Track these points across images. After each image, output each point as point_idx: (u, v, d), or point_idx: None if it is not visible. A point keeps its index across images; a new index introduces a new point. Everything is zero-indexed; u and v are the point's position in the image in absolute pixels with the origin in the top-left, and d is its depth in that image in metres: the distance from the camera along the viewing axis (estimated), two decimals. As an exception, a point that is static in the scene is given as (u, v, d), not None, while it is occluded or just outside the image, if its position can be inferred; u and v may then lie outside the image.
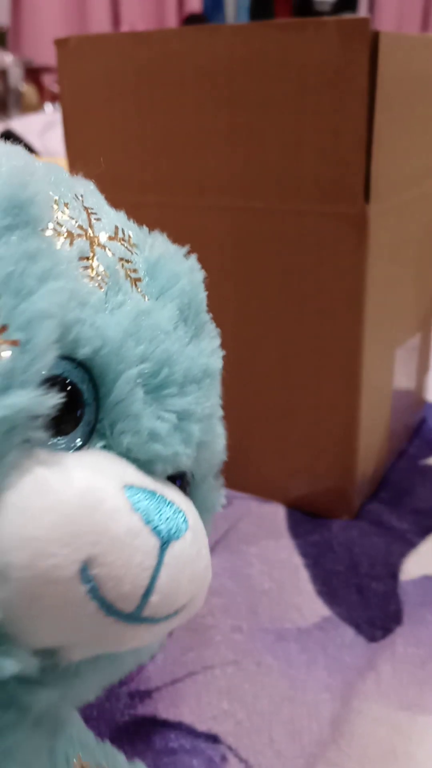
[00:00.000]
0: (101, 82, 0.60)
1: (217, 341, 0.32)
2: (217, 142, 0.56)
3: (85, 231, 0.28)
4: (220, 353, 0.31)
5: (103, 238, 0.29)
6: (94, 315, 0.26)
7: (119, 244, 0.29)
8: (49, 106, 2.22)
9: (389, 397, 0.67)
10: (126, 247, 0.29)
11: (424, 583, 0.54)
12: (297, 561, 0.57)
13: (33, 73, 2.64)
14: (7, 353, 0.23)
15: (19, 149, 0.29)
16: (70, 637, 0.25)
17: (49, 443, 0.25)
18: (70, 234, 0.27)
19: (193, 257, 0.31)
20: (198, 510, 0.30)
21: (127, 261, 0.29)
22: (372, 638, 0.49)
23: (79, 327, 0.25)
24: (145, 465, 0.27)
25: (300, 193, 0.54)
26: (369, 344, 0.57)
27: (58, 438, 0.25)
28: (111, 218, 0.30)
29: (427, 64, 0.58)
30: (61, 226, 0.27)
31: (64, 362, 0.25)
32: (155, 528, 0.24)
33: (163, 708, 0.44)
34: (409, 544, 0.59)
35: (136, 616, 0.24)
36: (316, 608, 0.52)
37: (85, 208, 0.29)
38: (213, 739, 0.42)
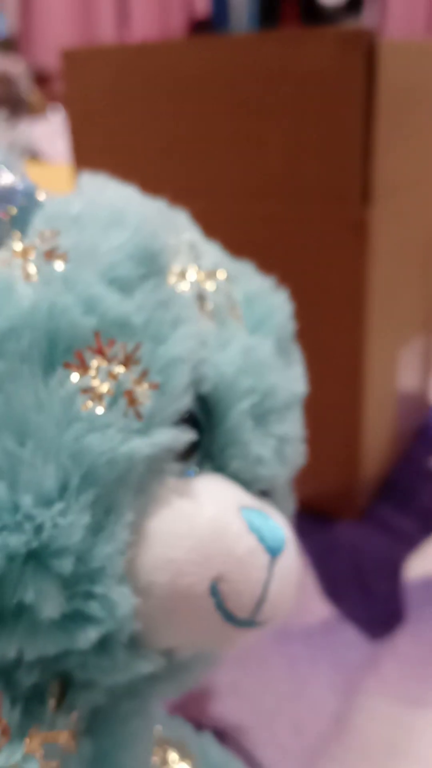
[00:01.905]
0: (107, 92, 0.61)
1: (303, 366, 0.34)
2: (219, 149, 0.57)
3: (197, 271, 0.30)
4: (305, 378, 0.34)
5: (209, 275, 0.31)
6: (212, 353, 0.29)
7: (221, 280, 0.31)
8: (54, 113, 2.24)
9: (394, 399, 0.67)
10: (226, 283, 0.31)
11: (427, 583, 0.55)
12: (302, 561, 0.58)
13: (41, 79, 2.66)
14: (148, 397, 0.26)
15: (133, 192, 0.31)
16: (197, 639, 0.28)
17: (179, 468, 0.28)
18: (183, 276, 0.30)
19: (284, 292, 0.34)
20: None
21: (229, 296, 0.31)
22: (375, 637, 0.50)
23: (202, 366, 0.28)
24: (247, 485, 0.30)
25: (301, 199, 0.55)
26: (372, 346, 0.58)
27: (182, 464, 0.28)
28: (211, 254, 0.32)
29: (426, 70, 0.59)
30: (179, 269, 0.30)
31: (195, 397, 0.28)
32: (266, 545, 0.27)
33: (169, 705, 0.45)
34: (413, 545, 0.60)
35: (249, 622, 0.27)
36: (321, 607, 0.53)
37: (190, 246, 0.31)
38: (219, 734, 0.43)
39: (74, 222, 0.27)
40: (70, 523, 0.24)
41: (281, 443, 0.31)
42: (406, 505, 0.65)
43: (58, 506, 0.24)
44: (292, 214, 0.56)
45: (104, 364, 0.25)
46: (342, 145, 0.52)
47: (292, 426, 0.31)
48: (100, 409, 0.25)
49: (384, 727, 0.43)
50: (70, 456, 0.24)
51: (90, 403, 0.25)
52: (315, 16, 2.99)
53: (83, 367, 0.25)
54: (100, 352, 0.25)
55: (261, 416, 0.30)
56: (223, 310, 0.30)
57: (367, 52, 0.49)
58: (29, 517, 0.23)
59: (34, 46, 3.00)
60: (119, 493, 0.25)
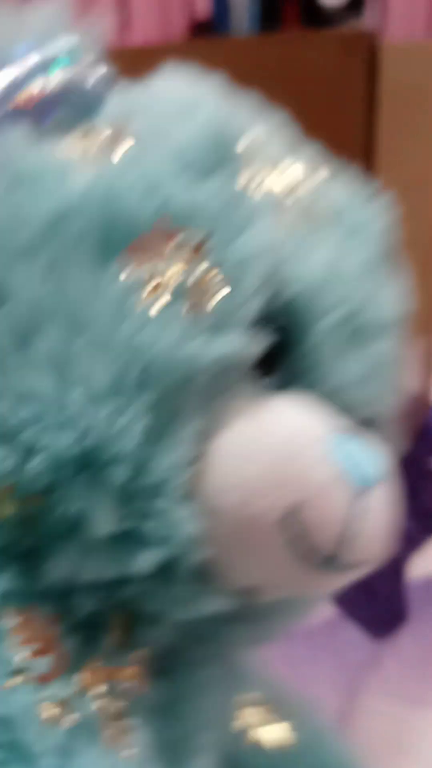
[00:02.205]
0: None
1: (409, 284, 0.30)
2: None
3: (283, 171, 0.27)
4: (411, 296, 0.30)
5: (297, 179, 0.27)
6: (295, 257, 0.25)
7: (313, 183, 0.28)
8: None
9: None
10: (319, 187, 0.28)
11: (428, 583, 0.55)
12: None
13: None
14: (220, 294, 0.23)
15: (218, 86, 0.28)
16: (270, 579, 0.25)
17: (256, 384, 0.25)
18: (266, 173, 0.26)
19: (387, 198, 0.30)
20: None
21: (322, 201, 0.28)
22: (377, 637, 0.50)
23: (282, 270, 0.25)
24: (344, 409, 0.26)
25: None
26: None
27: (263, 378, 0.25)
28: (304, 155, 0.29)
29: (427, 72, 0.59)
30: (262, 166, 0.26)
31: (271, 305, 0.25)
32: (360, 474, 0.24)
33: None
34: (415, 545, 0.60)
35: (331, 562, 0.24)
36: (323, 607, 0.53)
37: (279, 145, 0.28)
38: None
39: (147, 108, 0.26)
40: (124, 425, 0.22)
41: (377, 365, 0.27)
42: (407, 506, 0.65)
43: (111, 404, 0.22)
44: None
45: (167, 254, 0.23)
46: (343, 146, 0.53)
47: (391, 347, 0.28)
48: (160, 304, 0.22)
49: (386, 726, 0.44)
50: (125, 352, 0.22)
51: (148, 298, 0.22)
52: (316, 16, 3.00)
53: (143, 257, 0.23)
54: (163, 241, 0.23)
55: (352, 332, 0.26)
56: (312, 213, 0.27)
57: (368, 54, 0.50)
58: (78, 416, 0.21)
59: (35, 48, 3.01)
60: (183, 399, 0.22)
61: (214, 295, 0.23)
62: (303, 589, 0.26)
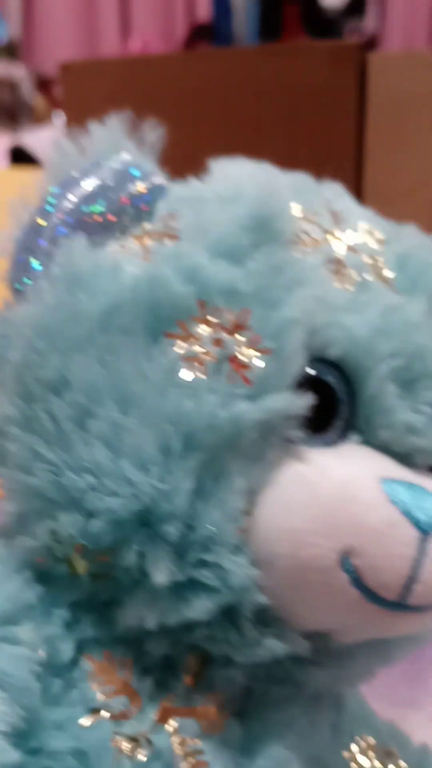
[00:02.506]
0: (103, 103, 0.62)
1: None
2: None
3: (332, 234, 0.29)
4: None
5: (350, 239, 0.29)
6: (343, 316, 0.27)
7: (367, 243, 0.29)
8: (57, 118, 2.25)
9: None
10: (374, 245, 0.29)
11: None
12: None
13: (44, 85, 2.67)
14: (260, 363, 0.25)
15: (263, 167, 0.31)
16: (336, 622, 0.26)
17: (308, 441, 0.26)
18: (314, 241, 0.28)
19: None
20: None
21: (376, 258, 0.29)
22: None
23: (327, 330, 0.26)
24: (405, 458, 0.27)
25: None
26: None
27: (317, 435, 0.26)
28: (358, 217, 0.30)
29: (416, 81, 0.60)
30: (307, 234, 0.28)
31: (318, 364, 0.27)
32: (415, 519, 0.25)
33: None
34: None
35: (400, 605, 0.25)
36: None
37: (332, 213, 0.30)
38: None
39: (194, 202, 0.28)
40: (172, 488, 0.24)
41: None
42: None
43: (157, 470, 0.24)
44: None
45: (209, 331, 0.25)
46: (334, 155, 0.53)
47: None
48: (201, 375, 0.25)
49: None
50: (169, 421, 0.24)
51: (191, 370, 0.25)
52: (317, 19, 3.01)
53: (186, 336, 0.25)
54: (204, 321, 0.25)
55: (409, 381, 0.27)
56: (366, 273, 0.28)
57: (358, 64, 0.50)
58: (129, 482, 0.24)
59: (36, 52, 3.02)
60: (227, 459, 0.25)
61: (256, 361, 0.25)
62: (378, 631, 0.27)
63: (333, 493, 0.25)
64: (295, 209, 0.29)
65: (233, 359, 0.25)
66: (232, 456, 0.25)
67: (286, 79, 0.54)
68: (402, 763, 0.32)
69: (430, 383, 0.28)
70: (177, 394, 0.24)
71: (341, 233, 0.29)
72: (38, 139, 1.57)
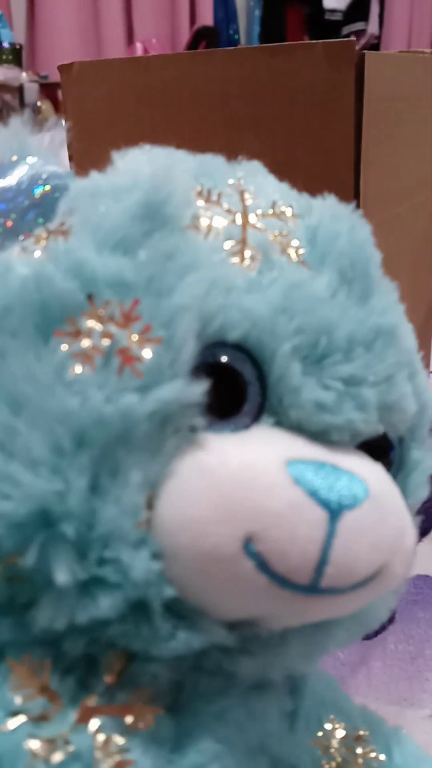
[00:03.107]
0: (103, 105, 0.63)
1: (391, 296, 0.30)
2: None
3: (235, 215, 0.28)
4: (397, 308, 0.30)
5: (257, 218, 0.28)
6: (241, 298, 0.26)
7: (275, 219, 0.29)
8: (63, 121, 2.25)
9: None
10: (284, 221, 0.29)
11: (417, 582, 0.56)
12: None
13: (48, 89, 2.68)
14: (149, 352, 0.24)
15: (167, 152, 0.30)
16: (252, 610, 0.26)
17: (215, 428, 0.26)
18: (216, 222, 0.28)
19: (357, 214, 0.30)
20: (412, 472, 0.31)
21: (284, 234, 0.28)
22: (365, 636, 0.51)
23: (223, 313, 0.26)
24: (320, 436, 0.27)
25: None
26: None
27: (226, 421, 0.26)
28: (269, 194, 0.30)
29: (413, 81, 0.60)
30: (209, 217, 0.28)
31: (219, 349, 0.26)
32: (323, 499, 0.24)
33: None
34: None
35: (314, 588, 0.24)
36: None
37: (241, 192, 0.29)
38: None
39: (91, 196, 0.27)
40: (66, 487, 0.24)
41: (353, 386, 0.27)
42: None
43: (48, 471, 0.24)
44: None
45: (98, 326, 0.25)
46: (331, 156, 0.54)
47: (371, 365, 0.28)
48: (88, 371, 0.24)
49: (372, 724, 0.44)
50: (57, 420, 0.24)
51: (79, 367, 0.24)
52: (318, 22, 3.02)
53: (76, 333, 0.25)
54: (93, 315, 0.25)
55: (317, 357, 0.27)
56: (270, 250, 0.28)
57: (356, 63, 0.51)
58: (19, 484, 0.23)
59: (40, 56, 3.03)
60: (121, 454, 0.24)
61: (145, 352, 0.25)
62: (297, 617, 0.26)
63: (231, 478, 0.24)
64: (196, 192, 0.28)
65: (123, 352, 0.25)
66: (126, 450, 0.24)
67: (283, 77, 0.54)
68: (371, 746, 0.31)
69: (339, 358, 0.27)
70: (64, 393, 0.24)
71: (249, 213, 0.28)
72: (41, 141, 1.58)
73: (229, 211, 0.28)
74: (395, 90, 0.57)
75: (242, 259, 0.27)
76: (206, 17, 3.09)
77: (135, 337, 0.25)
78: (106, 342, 0.25)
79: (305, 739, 0.31)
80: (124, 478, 0.24)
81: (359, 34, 2.98)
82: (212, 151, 0.61)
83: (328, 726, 0.31)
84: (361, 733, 0.32)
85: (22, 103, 2.53)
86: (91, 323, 0.25)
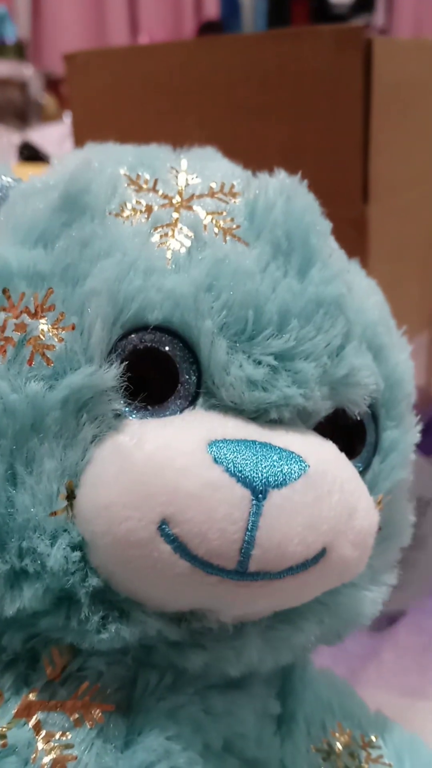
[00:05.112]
0: (108, 93, 0.62)
1: (334, 267, 0.29)
2: (219, 149, 0.58)
3: (170, 198, 0.28)
4: (341, 277, 0.29)
5: (192, 199, 0.28)
6: (163, 279, 0.26)
7: (214, 199, 0.28)
8: (68, 116, 2.25)
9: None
10: (223, 200, 0.28)
11: (428, 575, 0.56)
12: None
13: (53, 84, 2.68)
14: (59, 340, 0.25)
15: (101, 147, 0.31)
16: (185, 600, 0.25)
17: (142, 413, 0.25)
18: (147, 207, 0.27)
19: (300, 184, 0.30)
20: (390, 453, 0.30)
21: (221, 213, 0.28)
22: (376, 628, 0.51)
23: (142, 295, 0.25)
24: (260, 416, 0.26)
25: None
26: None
27: (159, 406, 0.26)
28: (212, 177, 0.29)
29: (422, 67, 0.59)
30: (138, 203, 0.28)
31: (144, 333, 0.26)
32: (245, 479, 0.23)
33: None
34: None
35: (243, 573, 0.23)
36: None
37: (179, 176, 0.29)
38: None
39: (22, 197, 0.28)
40: None
41: (288, 360, 0.26)
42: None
43: None
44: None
45: (13, 318, 0.25)
46: (340, 142, 0.53)
47: (308, 337, 0.27)
48: (4, 361, 0.25)
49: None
50: None
51: None
52: (325, 15, 3.00)
53: None
54: (9, 309, 0.25)
55: (246, 333, 0.26)
56: (202, 230, 0.27)
57: (364, 49, 0.50)
58: None
59: (44, 51, 3.03)
60: (35, 443, 0.24)
61: (54, 341, 0.25)
62: (234, 605, 0.25)
63: (145, 461, 0.24)
64: (130, 181, 0.28)
65: (34, 341, 0.25)
66: (39, 439, 0.24)
67: (291, 63, 0.53)
68: (380, 752, 0.30)
69: (271, 332, 0.26)
70: None
71: (185, 196, 0.28)
72: (46, 135, 1.57)
73: (164, 196, 0.28)
74: (404, 76, 0.56)
75: (171, 241, 0.27)
76: (211, 12, 3.08)
77: (47, 327, 0.25)
78: (18, 333, 0.25)
79: (305, 745, 0.30)
80: (39, 467, 0.24)
81: (366, 25, 2.96)
82: (219, 138, 0.60)
83: (333, 732, 0.31)
84: (372, 738, 0.31)
85: (26, 99, 2.53)
86: (5, 315, 0.25)
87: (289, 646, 0.28)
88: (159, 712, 0.26)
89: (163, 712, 0.26)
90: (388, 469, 0.30)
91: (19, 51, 2.65)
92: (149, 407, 0.26)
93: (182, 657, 0.27)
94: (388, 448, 0.30)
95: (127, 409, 0.25)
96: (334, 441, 0.28)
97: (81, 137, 0.66)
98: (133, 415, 0.25)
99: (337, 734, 0.30)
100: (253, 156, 0.56)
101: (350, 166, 0.53)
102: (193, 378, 0.26)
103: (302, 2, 2.84)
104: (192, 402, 0.26)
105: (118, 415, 0.25)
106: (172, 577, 0.24)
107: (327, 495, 0.24)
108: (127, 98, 0.61)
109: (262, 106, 0.55)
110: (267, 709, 0.30)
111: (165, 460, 0.23)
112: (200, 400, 0.26)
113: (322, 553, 0.24)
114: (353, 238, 0.55)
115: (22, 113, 2.42)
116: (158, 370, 0.26)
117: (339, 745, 0.30)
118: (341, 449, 0.27)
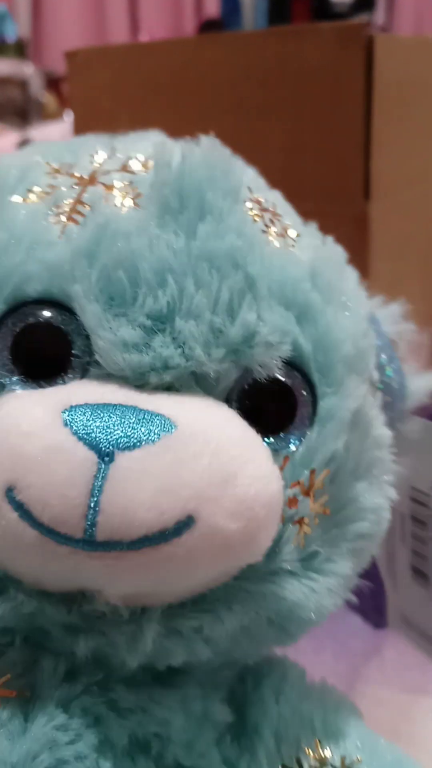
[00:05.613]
0: (109, 91, 0.62)
1: (234, 219, 0.27)
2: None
3: (80, 178, 0.28)
4: (240, 230, 0.27)
5: (103, 176, 0.28)
6: (46, 251, 0.26)
7: (123, 173, 0.28)
8: (69, 115, 2.25)
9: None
10: (133, 172, 0.28)
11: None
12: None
13: (53, 83, 2.68)
14: None
15: (34, 145, 0.32)
16: (46, 574, 0.24)
17: (31, 385, 0.26)
18: (52, 188, 0.28)
19: (213, 143, 0.29)
20: (327, 422, 0.27)
21: (127, 184, 0.28)
22: (379, 625, 0.50)
23: (21, 269, 0.26)
24: (142, 381, 0.25)
25: (302, 194, 0.56)
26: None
27: (51, 378, 0.25)
28: (131, 153, 0.30)
29: (423, 65, 0.59)
30: (50, 185, 0.28)
31: (30, 307, 0.26)
32: (91, 441, 0.22)
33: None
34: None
35: (91, 542, 0.22)
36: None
37: (94, 156, 0.30)
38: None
39: None
40: None
41: (166, 321, 0.25)
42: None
43: None
44: (294, 208, 0.57)
45: None
46: (341, 139, 0.53)
47: (194, 294, 0.25)
48: None
49: (386, 714, 0.44)
50: None
51: None
52: (326, 14, 2.99)
53: None
54: None
55: (122, 294, 0.25)
56: (101, 202, 0.27)
57: (365, 47, 0.50)
58: None
59: (44, 50, 3.03)
60: None
61: None
62: (98, 579, 0.24)
63: None
64: (52, 169, 0.29)
65: None
66: None
67: (292, 61, 0.53)
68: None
69: (146, 291, 0.25)
70: None
71: (97, 174, 0.28)
72: (47, 133, 1.57)
73: (76, 176, 0.28)
74: (405, 73, 0.56)
75: (69, 217, 0.27)
76: (212, 10, 3.08)
77: None
78: None
79: (271, 762, 0.28)
80: None
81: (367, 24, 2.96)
82: (220, 136, 0.60)
83: (307, 749, 0.28)
84: (356, 758, 0.29)
85: (27, 97, 2.53)
86: None
87: (205, 638, 0.26)
88: (52, 700, 0.26)
89: (54, 700, 0.26)
90: (323, 440, 0.27)
91: (20, 49, 2.65)
92: (43, 382, 0.25)
93: (75, 642, 0.26)
94: (325, 417, 0.27)
95: (10, 381, 0.25)
96: (262, 414, 0.26)
97: (82, 133, 0.66)
98: (18, 388, 0.25)
99: (310, 751, 0.28)
100: (255, 154, 0.56)
101: (352, 164, 0.53)
102: (86, 350, 0.26)
103: (303, 0, 2.83)
104: (85, 374, 0.26)
105: (3, 387, 0.25)
106: (25, 547, 0.23)
107: (192, 458, 0.23)
108: (127, 96, 0.61)
109: (263, 104, 0.55)
110: (208, 715, 0.28)
111: (11, 426, 0.23)
112: (92, 371, 0.25)
113: (187, 523, 0.22)
114: (354, 235, 0.55)
115: (23, 112, 2.42)
116: (53, 343, 0.26)
117: (306, 765, 0.28)
118: (271, 423, 0.26)
